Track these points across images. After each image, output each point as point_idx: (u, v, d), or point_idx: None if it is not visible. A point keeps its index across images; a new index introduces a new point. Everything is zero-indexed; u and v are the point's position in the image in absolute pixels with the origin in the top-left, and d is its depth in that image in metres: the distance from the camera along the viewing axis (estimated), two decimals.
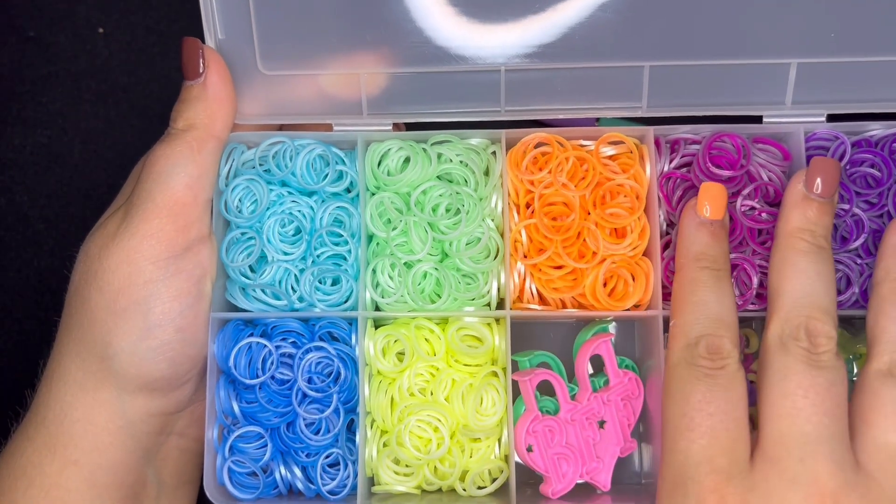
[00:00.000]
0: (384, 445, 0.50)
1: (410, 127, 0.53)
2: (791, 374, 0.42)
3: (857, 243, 0.49)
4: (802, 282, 0.43)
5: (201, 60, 0.48)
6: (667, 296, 0.50)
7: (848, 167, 0.49)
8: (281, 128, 0.54)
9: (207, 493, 0.48)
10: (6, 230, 0.62)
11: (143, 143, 0.51)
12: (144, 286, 0.46)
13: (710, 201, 0.46)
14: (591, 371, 0.51)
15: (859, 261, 0.49)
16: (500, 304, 0.51)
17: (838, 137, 0.50)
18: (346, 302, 0.50)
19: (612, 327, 0.54)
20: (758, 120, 0.50)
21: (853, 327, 0.51)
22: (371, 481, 0.50)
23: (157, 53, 0.63)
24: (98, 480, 0.47)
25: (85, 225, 0.51)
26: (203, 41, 0.49)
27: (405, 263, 0.50)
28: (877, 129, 0.50)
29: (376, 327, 0.51)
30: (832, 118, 0.50)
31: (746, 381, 0.49)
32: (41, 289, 0.61)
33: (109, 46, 0.64)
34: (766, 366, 0.43)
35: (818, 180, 0.45)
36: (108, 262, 0.46)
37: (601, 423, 0.50)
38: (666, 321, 0.49)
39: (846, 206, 0.49)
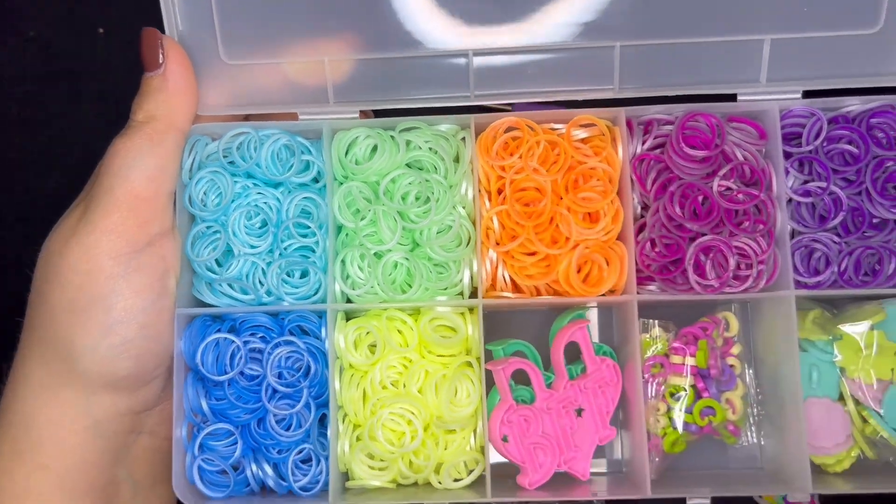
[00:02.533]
0: (357, 440, 0.49)
1: (379, 114, 0.52)
2: None
3: (836, 222, 0.48)
4: None
5: (161, 51, 0.47)
6: (641, 280, 0.49)
7: (825, 144, 0.48)
8: (247, 119, 0.52)
9: (177, 493, 0.47)
10: (6, 230, 0.61)
11: None
12: (105, 282, 0.45)
13: None
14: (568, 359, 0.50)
15: (837, 240, 0.48)
16: (474, 294, 0.50)
17: (814, 114, 0.49)
18: (315, 295, 0.49)
19: (594, 314, 0.52)
20: (732, 98, 0.49)
21: (835, 308, 0.50)
22: (346, 476, 0.50)
23: None
24: (68, 483, 0.46)
25: None
26: (163, 32, 0.48)
27: (375, 254, 0.49)
28: (854, 105, 0.49)
29: (348, 319, 0.50)
30: (808, 95, 0.49)
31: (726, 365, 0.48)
32: None
33: (109, 46, 0.63)
34: None
35: None
36: (67, 259, 0.45)
37: (579, 412, 0.49)
38: (640, 306, 0.48)
39: (823, 185, 0.48)
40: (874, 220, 0.48)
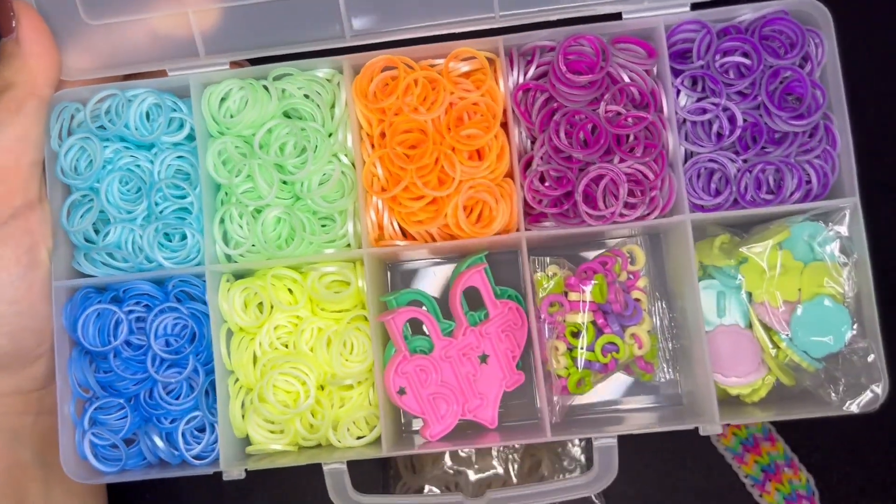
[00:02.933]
0: (251, 403, 0.47)
1: (254, 63, 0.49)
2: None
3: (732, 139, 0.45)
4: None
5: (12, 14, 0.45)
6: (536, 218, 0.47)
7: (717, 58, 0.45)
8: (125, 80, 0.50)
9: (65, 470, 0.45)
10: None
11: None
12: None
13: None
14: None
15: (735, 157, 0.45)
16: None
17: (704, 27, 0.46)
18: (196, 257, 0.47)
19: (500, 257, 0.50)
20: (617, 18, 0.46)
21: (745, 232, 0.48)
22: (246, 443, 0.48)
23: None
24: None
25: None
26: None
27: (255, 210, 0.47)
28: (745, 14, 0.46)
29: (237, 280, 0.48)
30: (696, 7, 0.46)
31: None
32: None
33: None
34: None
35: None
36: None
37: (483, 358, 0.47)
38: (530, 244, 0.45)
39: (717, 101, 0.45)
40: (774, 135, 0.45)
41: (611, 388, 0.51)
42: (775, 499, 0.54)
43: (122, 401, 0.47)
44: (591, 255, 0.50)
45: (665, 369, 0.49)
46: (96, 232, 0.47)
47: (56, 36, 0.46)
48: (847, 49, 0.46)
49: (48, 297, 0.46)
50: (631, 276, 0.48)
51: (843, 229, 0.44)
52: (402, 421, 0.51)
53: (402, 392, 0.46)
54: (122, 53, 0.48)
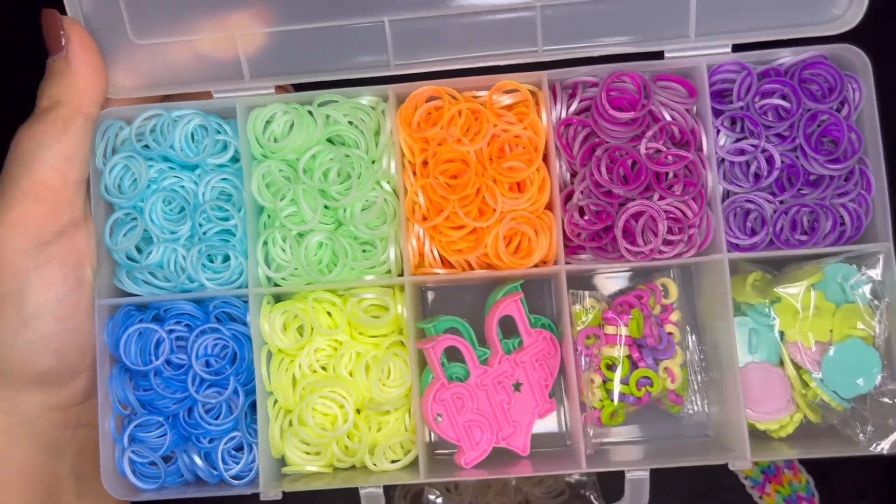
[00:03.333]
0: (289, 425, 0.48)
1: (298, 89, 0.50)
2: None
3: (770, 180, 0.46)
4: None
5: (62, 33, 0.45)
6: (573, 250, 0.47)
7: (756, 100, 0.46)
8: (165, 100, 0.51)
9: (106, 487, 0.46)
10: None
11: None
12: (15, 277, 0.43)
13: None
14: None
15: (772, 199, 0.46)
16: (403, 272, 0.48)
17: (744, 69, 0.47)
18: (238, 279, 0.48)
19: (534, 287, 0.51)
20: (659, 56, 0.47)
21: (777, 271, 0.48)
22: (282, 463, 0.49)
23: None
24: (4, 482, 0.45)
25: None
26: (66, 13, 0.46)
27: (297, 234, 0.47)
28: (785, 57, 0.47)
29: (277, 303, 0.49)
30: (738, 48, 0.47)
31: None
32: None
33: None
34: None
35: None
36: None
37: (517, 386, 0.48)
38: (568, 276, 0.46)
39: (756, 142, 0.46)
40: (810, 177, 0.46)
41: (635, 416, 0.52)
42: (775, 500, 0.55)
43: (161, 419, 0.47)
44: (619, 280, 0.51)
45: (693, 401, 0.50)
46: (138, 251, 0.47)
47: (103, 54, 0.47)
48: (884, 94, 0.46)
49: (92, 314, 0.46)
50: (664, 310, 0.49)
51: (876, 273, 0.45)
52: (429, 441, 0.52)
53: (438, 419, 0.47)
54: (167, 73, 0.48)
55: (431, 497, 0.56)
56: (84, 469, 0.48)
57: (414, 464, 0.48)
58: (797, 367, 0.46)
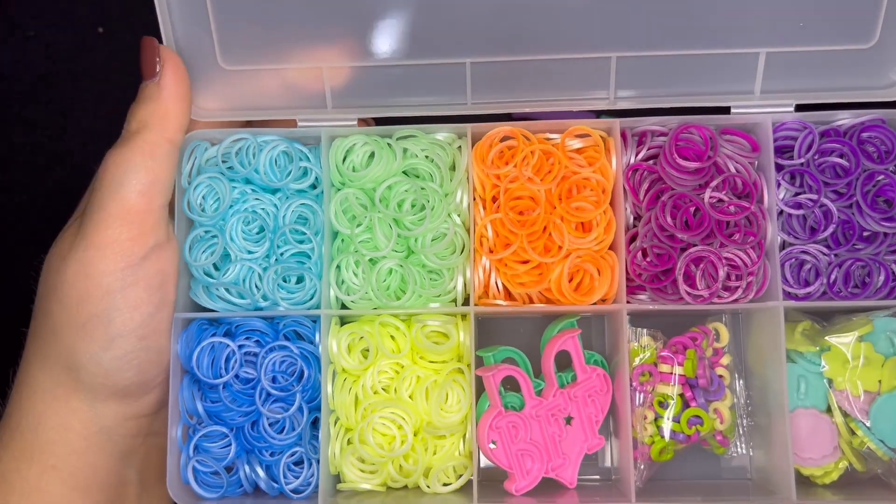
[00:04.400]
0: (348, 443, 0.49)
1: (378, 122, 0.52)
2: None
3: (826, 234, 0.48)
4: None
5: (157, 59, 0.47)
6: (632, 290, 0.49)
7: (816, 157, 0.49)
8: (248, 125, 0.53)
9: (171, 493, 0.48)
10: (6, 230, 0.62)
11: None
12: (103, 298, 0.45)
13: None
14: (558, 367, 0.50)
15: (827, 252, 0.48)
16: (467, 301, 0.50)
17: (806, 127, 0.49)
18: (310, 300, 0.49)
19: (587, 322, 0.53)
20: (726, 111, 0.50)
21: (825, 321, 0.50)
22: (337, 479, 0.50)
23: None
24: (78, 483, 0.47)
25: None
26: (160, 36, 0.49)
27: (370, 260, 0.49)
28: (845, 119, 0.49)
29: (343, 325, 0.51)
30: (800, 108, 0.49)
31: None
32: None
33: (109, 46, 0.63)
34: None
35: None
36: (65, 276, 0.45)
37: (568, 420, 0.50)
38: (631, 315, 0.48)
39: (814, 197, 0.48)
40: (864, 233, 0.49)
41: (676, 455, 0.53)
42: None
43: (226, 430, 0.49)
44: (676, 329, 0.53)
45: (738, 444, 0.52)
46: (216, 268, 0.49)
47: (192, 77, 0.49)
48: None
49: (170, 332, 0.48)
50: (715, 353, 0.51)
51: None
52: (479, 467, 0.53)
53: (493, 445, 0.48)
54: (251, 99, 0.51)
55: None
56: (147, 475, 0.50)
57: (465, 488, 0.49)
58: (845, 414, 0.48)
